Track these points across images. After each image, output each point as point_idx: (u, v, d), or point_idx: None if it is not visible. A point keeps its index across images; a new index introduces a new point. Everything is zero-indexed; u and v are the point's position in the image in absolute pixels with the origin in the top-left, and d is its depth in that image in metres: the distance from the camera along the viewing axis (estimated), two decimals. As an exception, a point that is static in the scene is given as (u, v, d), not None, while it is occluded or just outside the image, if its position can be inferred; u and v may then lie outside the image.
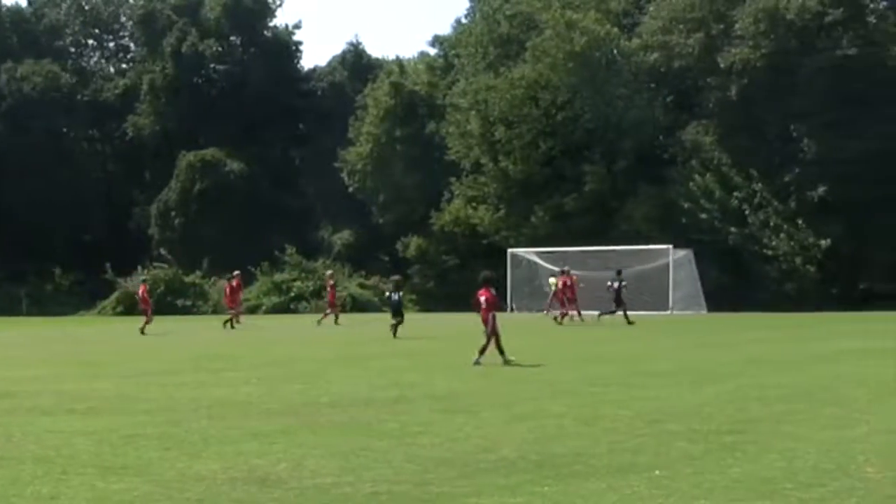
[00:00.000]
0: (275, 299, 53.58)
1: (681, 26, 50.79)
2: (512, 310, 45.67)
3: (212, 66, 70.06)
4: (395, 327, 27.51)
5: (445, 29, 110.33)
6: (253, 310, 49.97)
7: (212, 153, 64.07)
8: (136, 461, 8.91)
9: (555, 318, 35.29)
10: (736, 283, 46.40)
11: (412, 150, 60.27)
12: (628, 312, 33.78)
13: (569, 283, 35.95)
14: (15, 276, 60.34)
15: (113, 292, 55.17)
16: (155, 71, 69.18)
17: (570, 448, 9.28)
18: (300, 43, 73.85)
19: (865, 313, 39.20)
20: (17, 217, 61.91)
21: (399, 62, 68.05)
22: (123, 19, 77.29)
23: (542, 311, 41.84)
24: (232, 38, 70.54)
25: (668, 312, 42.27)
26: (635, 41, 51.91)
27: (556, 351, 22.18)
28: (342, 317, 38.46)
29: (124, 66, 77.82)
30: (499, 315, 18.80)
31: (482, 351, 18.00)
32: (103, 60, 79.78)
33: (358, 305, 50.84)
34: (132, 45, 77.74)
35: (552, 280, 41.37)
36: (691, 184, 48.23)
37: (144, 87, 69.29)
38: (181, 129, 67.11)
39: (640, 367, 17.55)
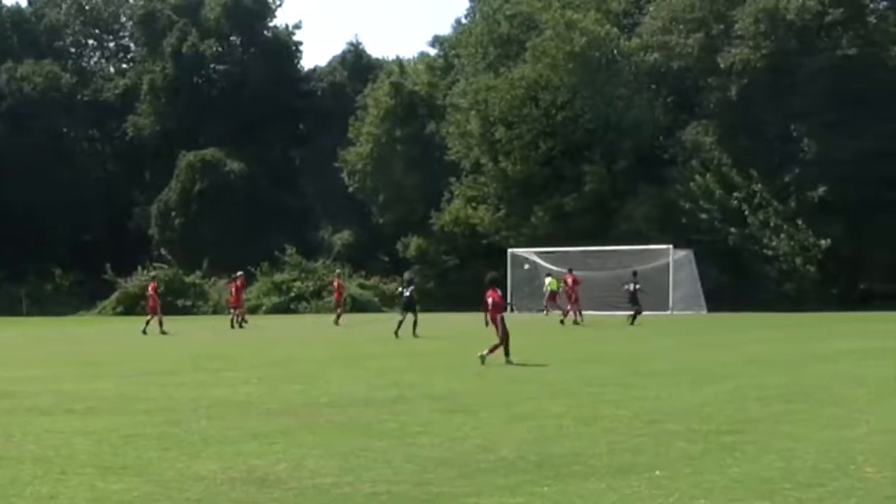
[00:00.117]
0: (275, 299, 53.56)
1: (681, 26, 50.79)
2: (512, 310, 45.67)
3: (212, 66, 70.09)
4: (401, 324, 27.20)
5: (445, 29, 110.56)
6: (253, 310, 49.89)
7: (212, 153, 64.07)
8: (135, 461, 8.91)
9: (562, 319, 35.04)
10: (736, 284, 46.41)
11: (412, 150, 60.28)
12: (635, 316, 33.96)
13: (570, 282, 35.86)
14: (15, 276, 60.33)
15: (113, 292, 55.17)
16: (155, 71, 69.19)
17: (570, 448, 9.28)
18: (300, 43, 73.96)
19: (865, 313, 39.21)
20: (18, 217, 61.87)
21: (399, 62, 68.07)
22: (123, 19, 77.31)
23: (542, 311, 41.86)
24: (232, 38, 70.55)
25: (668, 312, 42.26)
26: (635, 41, 51.92)
27: (555, 351, 22.18)
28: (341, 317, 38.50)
29: (124, 66, 77.83)
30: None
31: (493, 349, 18.07)
32: (103, 60, 79.82)
33: (358, 305, 50.82)
34: (132, 45, 77.75)
35: (548, 280, 41.38)
36: (691, 184, 48.23)
37: (144, 87, 69.30)
38: (181, 129, 67.11)
39: (640, 367, 17.55)
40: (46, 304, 58.18)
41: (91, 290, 58.47)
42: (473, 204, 54.86)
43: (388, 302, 53.20)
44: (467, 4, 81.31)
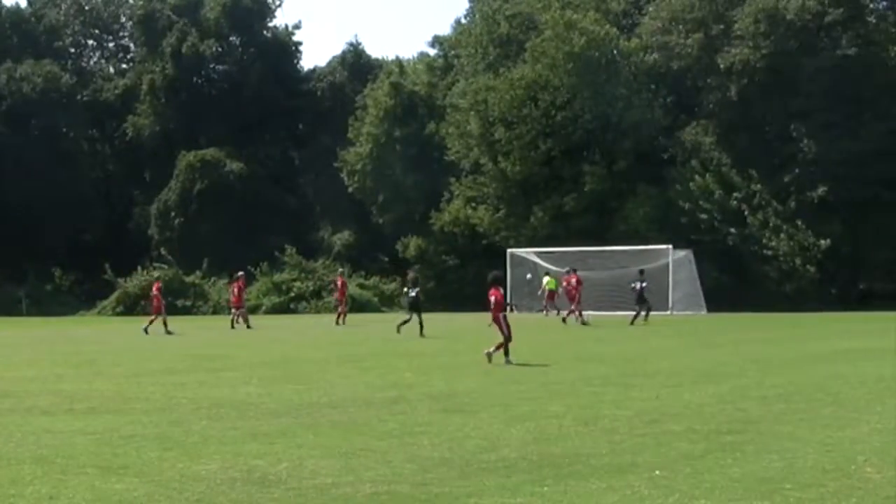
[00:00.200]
0: (274, 299, 53.52)
1: (680, 27, 50.80)
2: (512, 309, 45.62)
3: (211, 66, 70.09)
4: (406, 322, 27.18)
5: (445, 29, 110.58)
6: (253, 310, 49.79)
7: (211, 153, 64.04)
8: (135, 461, 8.91)
9: (570, 319, 34.95)
10: (735, 284, 46.42)
11: (412, 150, 60.24)
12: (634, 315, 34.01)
13: (573, 282, 35.79)
14: (15, 277, 60.32)
15: (112, 292, 55.13)
16: (155, 71, 69.16)
17: (570, 448, 9.29)
18: (300, 43, 73.97)
19: (864, 313, 39.22)
20: (17, 217, 61.84)
21: (399, 62, 68.02)
22: (123, 19, 77.28)
23: (542, 311, 41.84)
24: (231, 38, 70.50)
25: (668, 313, 42.22)
26: (635, 41, 51.93)
27: (555, 351, 22.17)
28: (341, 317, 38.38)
29: (124, 66, 77.81)
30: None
31: (499, 347, 18.12)
32: (103, 60, 79.79)
33: (357, 306, 50.78)
34: (132, 45, 77.67)
35: (546, 279, 41.27)
36: (691, 184, 48.21)
37: (144, 87, 69.26)
38: (181, 129, 67.10)
39: (640, 367, 17.56)
40: (46, 304, 58.13)
41: (91, 290, 58.44)
42: (473, 204, 54.85)
43: (387, 302, 53.23)
44: (467, 5, 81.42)
